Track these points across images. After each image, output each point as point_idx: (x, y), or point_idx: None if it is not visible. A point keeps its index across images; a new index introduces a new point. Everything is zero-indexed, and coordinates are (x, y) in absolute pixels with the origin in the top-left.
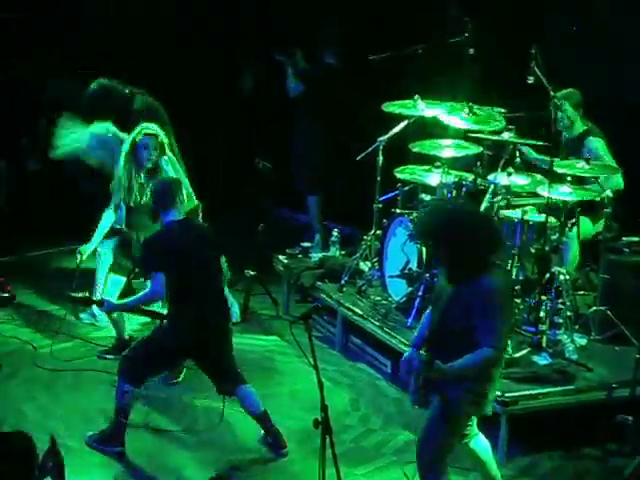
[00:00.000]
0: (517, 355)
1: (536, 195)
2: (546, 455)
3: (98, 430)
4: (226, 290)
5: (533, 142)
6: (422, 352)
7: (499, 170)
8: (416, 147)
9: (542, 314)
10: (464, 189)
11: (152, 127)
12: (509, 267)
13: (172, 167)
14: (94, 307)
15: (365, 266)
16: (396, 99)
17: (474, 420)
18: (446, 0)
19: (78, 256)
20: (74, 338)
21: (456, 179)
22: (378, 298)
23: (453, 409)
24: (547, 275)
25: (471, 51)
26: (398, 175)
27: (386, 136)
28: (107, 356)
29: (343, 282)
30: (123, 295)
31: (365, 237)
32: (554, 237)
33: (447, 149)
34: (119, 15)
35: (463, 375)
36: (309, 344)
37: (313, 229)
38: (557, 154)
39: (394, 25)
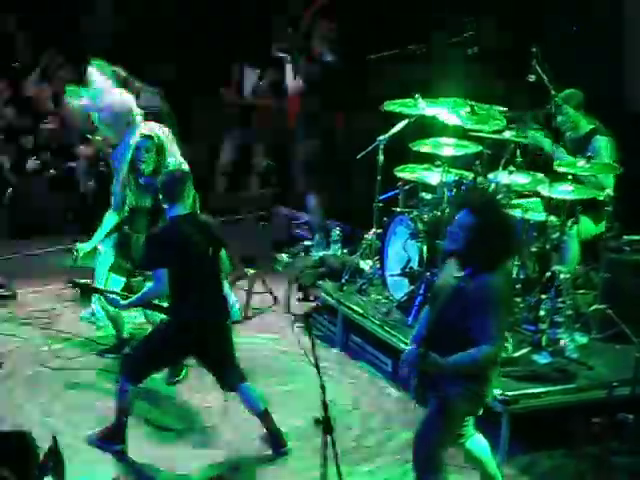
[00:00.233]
0: (517, 354)
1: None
2: (547, 454)
3: (99, 428)
4: (227, 288)
5: (534, 141)
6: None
7: (500, 169)
8: (416, 146)
9: (542, 313)
10: (464, 188)
11: (150, 128)
12: (509, 265)
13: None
14: (94, 306)
15: (366, 265)
16: (397, 98)
17: (471, 420)
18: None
19: (74, 254)
20: (75, 337)
21: (456, 178)
22: (379, 297)
23: (449, 406)
24: (547, 274)
25: (472, 50)
26: (398, 174)
27: (386, 135)
28: (108, 355)
29: (344, 281)
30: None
31: (366, 236)
32: (555, 236)
33: (447, 148)
34: (119, 15)
35: (458, 371)
36: (310, 343)
37: (312, 228)
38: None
39: (394, 25)
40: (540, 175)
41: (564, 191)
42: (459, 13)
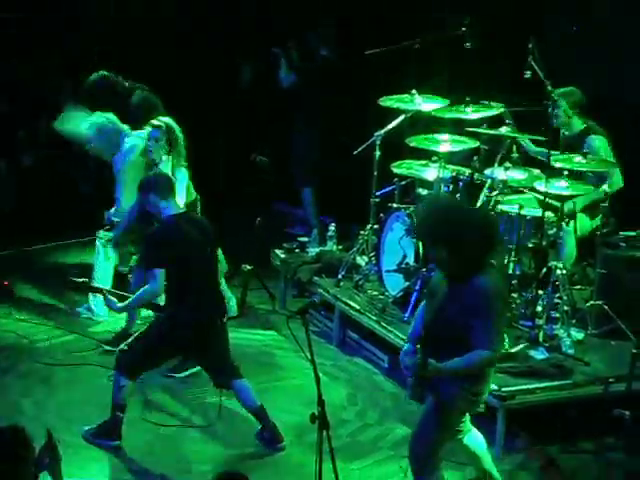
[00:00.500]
0: (514, 350)
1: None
2: (543, 449)
3: (95, 424)
4: (224, 285)
5: (530, 136)
6: (417, 354)
7: (496, 164)
8: (413, 142)
9: (539, 308)
10: (461, 183)
11: (161, 119)
12: (506, 261)
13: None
14: (91, 301)
15: (362, 261)
16: (393, 93)
17: (467, 416)
18: None
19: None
20: (71, 333)
21: (453, 173)
22: (375, 293)
23: (447, 405)
24: (544, 270)
25: (468, 45)
26: (395, 170)
27: (383, 130)
28: (106, 347)
29: (340, 277)
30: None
31: (362, 232)
32: (551, 232)
33: (444, 143)
34: (119, 15)
35: (457, 374)
36: (306, 339)
37: (309, 223)
38: (555, 149)
39: (394, 25)
40: (537, 171)
41: (560, 187)
42: (458, 12)
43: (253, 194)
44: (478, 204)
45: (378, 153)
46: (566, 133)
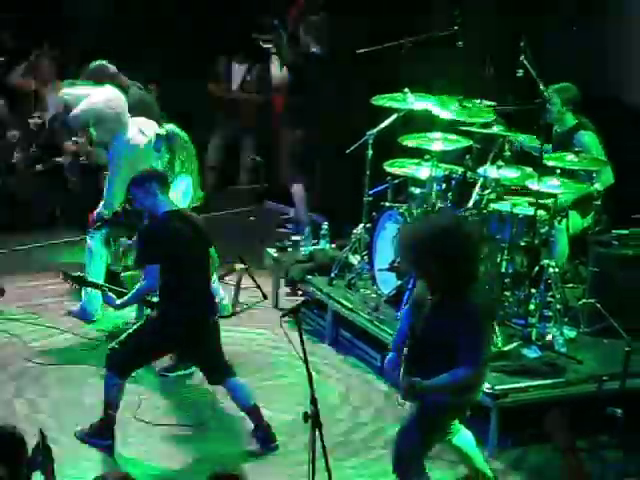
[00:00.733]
0: (507, 348)
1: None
2: (536, 448)
3: (88, 424)
4: (216, 283)
5: (522, 135)
6: (403, 377)
7: (488, 163)
8: (405, 140)
9: (532, 307)
10: (453, 182)
11: (165, 127)
12: (499, 260)
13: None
14: (84, 302)
15: (355, 259)
16: (385, 92)
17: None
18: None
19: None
20: (63, 332)
21: (446, 172)
22: (368, 291)
23: (434, 412)
24: (536, 268)
25: (460, 44)
26: (388, 168)
27: (375, 129)
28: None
29: (333, 275)
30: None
31: (355, 230)
32: (543, 230)
33: (436, 142)
34: (119, 15)
35: (444, 390)
36: (299, 337)
37: (301, 222)
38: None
39: (392, 25)
40: (529, 169)
41: (552, 185)
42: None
43: (246, 193)
44: (470, 203)
45: (370, 152)
46: (558, 130)
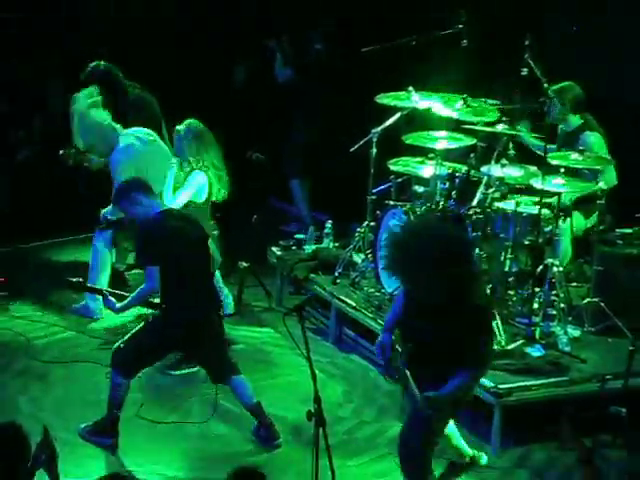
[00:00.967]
0: (511, 347)
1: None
2: (540, 446)
3: (91, 422)
4: (220, 282)
5: (526, 134)
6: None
7: (492, 162)
8: (409, 139)
9: (536, 306)
10: (457, 181)
11: (188, 122)
12: (502, 259)
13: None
14: (88, 299)
15: (358, 258)
16: (390, 91)
17: None
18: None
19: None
20: (67, 330)
21: (449, 171)
22: (371, 290)
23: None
24: (540, 267)
25: (465, 43)
26: (391, 167)
27: (379, 128)
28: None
29: (337, 274)
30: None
31: (358, 229)
32: (547, 229)
33: (440, 141)
34: (119, 15)
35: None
36: (302, 336)
37: (304, 220)
38: (552, 144)
39: (394, 25)
40: (533, 168)
41: (557, 184)
42: (457, 11)
43: (249, 191)
44: (474, 201)
45: (374, 150)
46: (563, 129)
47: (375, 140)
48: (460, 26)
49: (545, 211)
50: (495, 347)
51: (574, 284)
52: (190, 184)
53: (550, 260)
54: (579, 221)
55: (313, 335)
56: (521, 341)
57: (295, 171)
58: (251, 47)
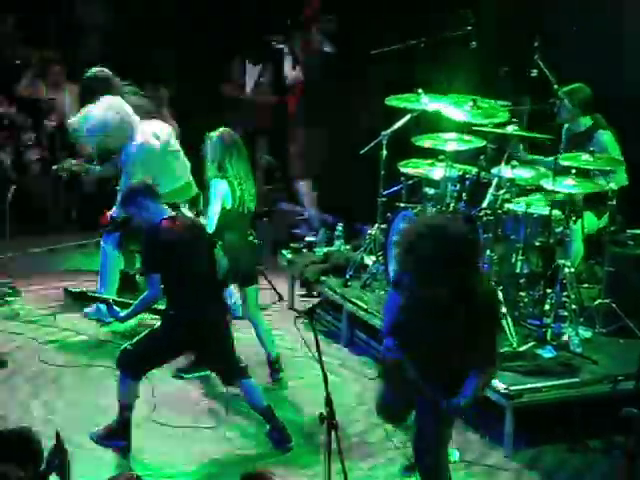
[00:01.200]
0: (522, 348)
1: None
2: (552, 448)
3: (103, 425)
4: (231, 286)
5: (537, 135)
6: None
7: (503, 163)
8: (419, 141)
9: (547, 307)
10: (468, 182)
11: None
12: (514, 260)
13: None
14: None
15: (369, 260)
16: (399, 93)
17: None
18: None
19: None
20: (79, 334)
21: (460, 172)
22: (383, 292)
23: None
24: (552, 268)
25: (473, 44)
26: (402, 169)
27: (389, 130)
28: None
29: (348, 276)
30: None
31: (369, 231)
32: (558, 230)
33: (450, 142)
34: (119, 15)
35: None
36: (314, 338)
37: (313, 223)
38: (560, 147)
39: (395, 25)
40: (543, 169)
41: (568, 185)
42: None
43: (259, 193)
44: (485, 203)
45: (385, 153)
46: (573, 130)
47: (385, 142)
48: (469, 28)
49: (556, 212)
50: (506, 349)
51: (585, 285)
52: (214, 194)
53: (561, 261)
54: (591, 221)
55: (325, 338)
56: (532, 343)
57: (301, 173)
58: (260, 49)
